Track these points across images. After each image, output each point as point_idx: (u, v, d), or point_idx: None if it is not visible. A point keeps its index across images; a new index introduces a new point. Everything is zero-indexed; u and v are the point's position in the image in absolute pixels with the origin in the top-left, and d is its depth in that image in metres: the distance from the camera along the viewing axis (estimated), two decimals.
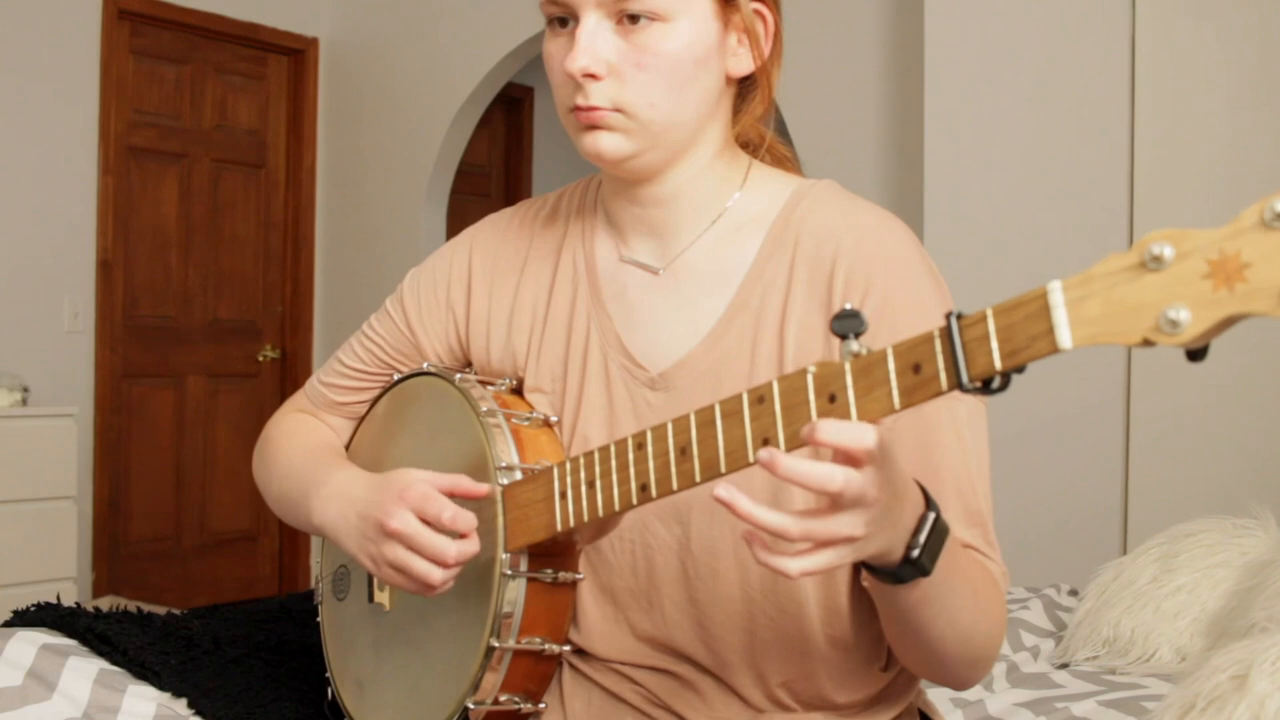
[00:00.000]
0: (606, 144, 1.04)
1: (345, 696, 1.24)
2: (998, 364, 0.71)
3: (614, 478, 0.95)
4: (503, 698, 1.09)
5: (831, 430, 0.77)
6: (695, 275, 1.10)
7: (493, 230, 1.24)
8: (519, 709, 1.11)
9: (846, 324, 0.79)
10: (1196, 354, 0.67)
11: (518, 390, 1.18)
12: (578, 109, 1.04)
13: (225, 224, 5.05)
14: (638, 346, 1.11)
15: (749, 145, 1.16)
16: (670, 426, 0.90)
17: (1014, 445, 2.79)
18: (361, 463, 1.25)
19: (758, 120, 1.14)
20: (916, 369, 0.75)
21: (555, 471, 1.01)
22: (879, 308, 1.02)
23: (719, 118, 1.10)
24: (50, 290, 4.44)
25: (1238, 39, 2.84)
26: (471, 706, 1.07)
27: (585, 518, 0.98)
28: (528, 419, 1.12)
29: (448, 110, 4.77)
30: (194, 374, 4.96)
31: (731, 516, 1.03)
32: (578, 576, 1.10)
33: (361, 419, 1.30)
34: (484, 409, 1.10)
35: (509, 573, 1.05)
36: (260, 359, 5.17)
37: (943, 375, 0.74)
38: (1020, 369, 0.71)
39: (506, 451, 1.08)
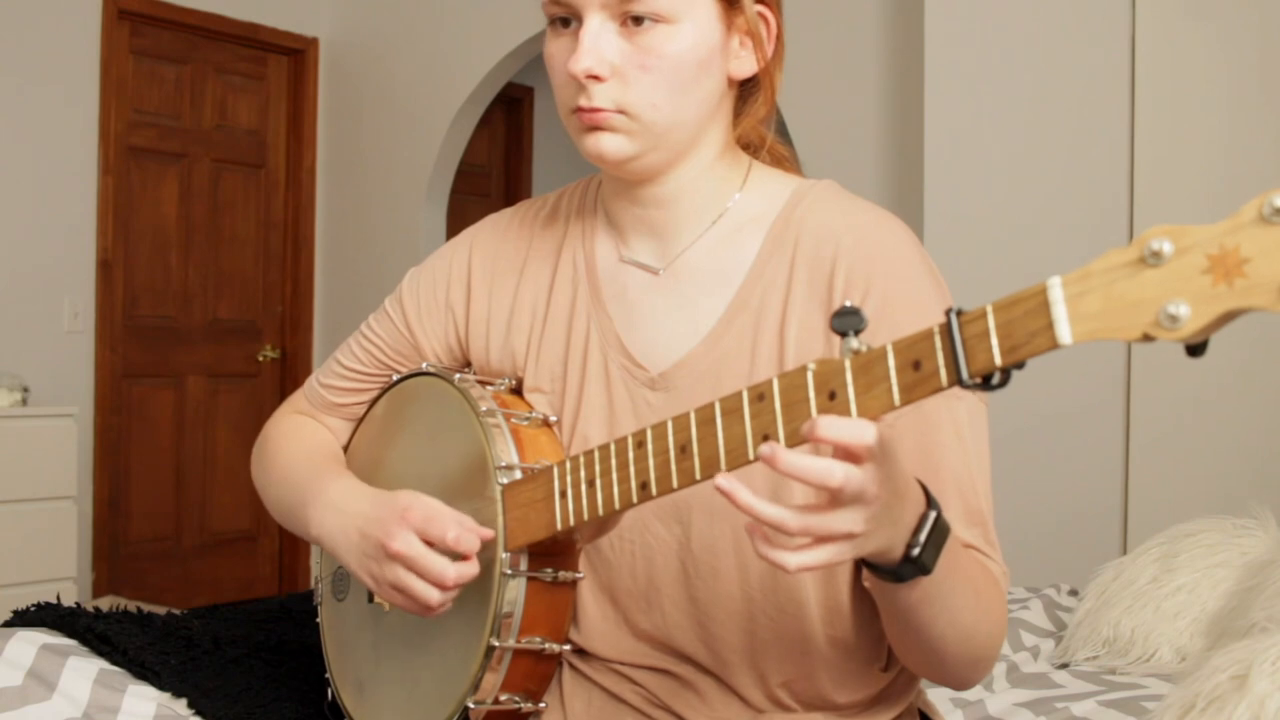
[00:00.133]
0: (609, 145, 1.04)
1: (345, 697, 1.24)
2: (998, 360, 0.71)
3: (614, 476, 0.95)
4: (503, 697, 1.09)
5: (831, 426, 0.76)
6: (695, 275, 1.10)
7: (492, 230, 1.24)
8: (519, 709, 1.11)
9: (846, 321, 0.79)
10: (1196, 349, 0.66)
11: (517, 390, 1.17)
12: (580, 110, 1.03)
13: (225, 224, 5.05)
14: (638, 346, 1.11)
15: (749, 146, 1.16)
16: (670, 425, 0.90)
17: (1014, 444, 2.79)
18: (360, 464, 1.25)
19: (760, 122, 1.14)
20: (916, 366, 0.75)
21: (555, 471, 1.01)
22: (879, 307, 1.02)
23: (720, 119, 1.10)
24: (50, 290, 4.44)
25: (1238, 39, 2.84)
26: (472, 706, 1.07)
27: (585, 517, 0.98)
28: (527, 419, 1.12)
29: (448, 110, 4.77)
30: (194, 374, 4.96)
31: (732, 516, 1.04)
32: (578, 576, 1.10)
33: (360, 420, 1.30)
34: (483, 409, 1.10)
35: (509, 572, 1.05)
36: (260, 359, 5.18)
37: (943, 372, 0.74)
38: (1020, 365, 0.71)
39: (506, 451, 1.08)
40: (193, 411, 4.95)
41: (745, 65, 1.09)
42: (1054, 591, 2.36)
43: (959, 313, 0.73)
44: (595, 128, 1.04)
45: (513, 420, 1.11)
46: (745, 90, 1.13)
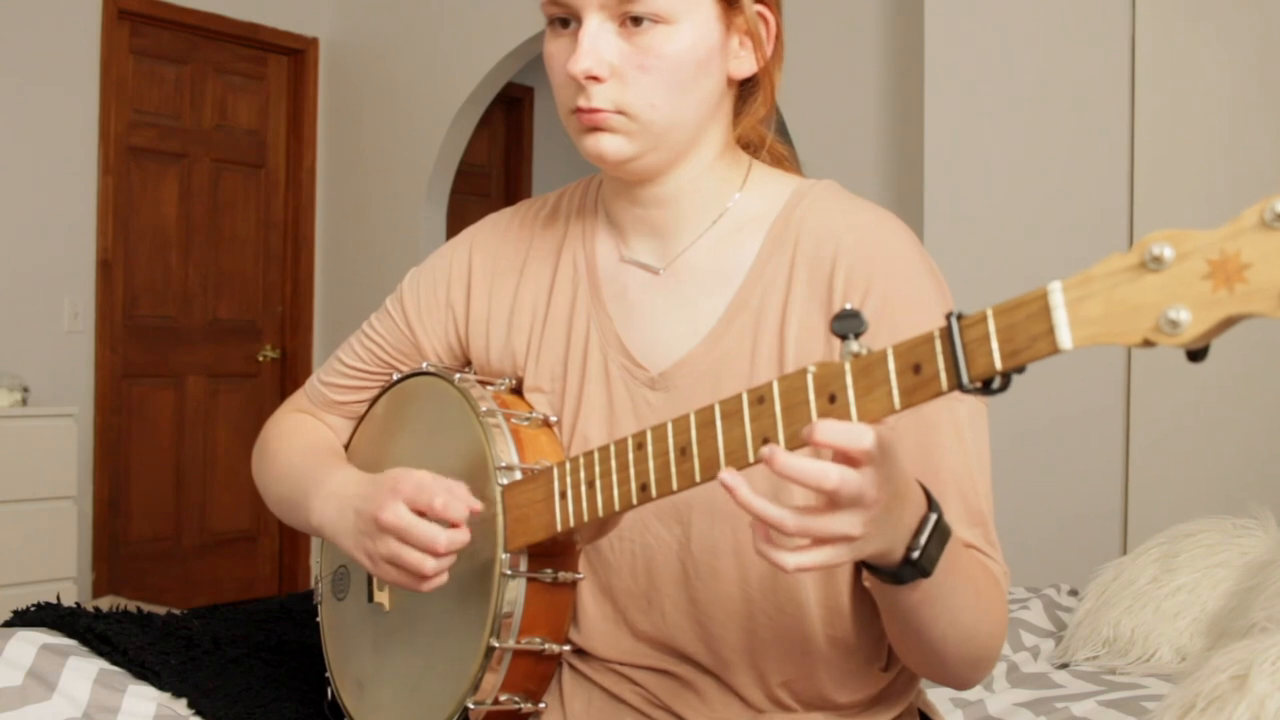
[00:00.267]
0: (608, 145, 1.04)
1: (345, 696, 1.24)
2: (998, 364, 0.71)
3: (614, 478, 0.95)
4: (503, 698, 1.09)
5: (829, 431, 0.77)
6: (696, 275, 1.10)
7: (493, 230, 1.24)
8: (519, 709, 1.11)
9: (846, 324, 0.79)
10: (1197, 354, 0.67)
11: (517, 390, 1.18)
12: (580, 110, 1.03)
13: (225, 224, 5.05)
14: (638, 346, 1.11)
15: (749, 145, 1.16)
16: (670, 426, 0.90)
17: (1014, 445, 2.79)
18: (361, 462, 1.25)
19: (760, 122, 1.14)
20: (917, 369, 0.75)
21: (555, 471, 1.01)
22: (879, 308, 1.02)
23: (720, 119, 1.10)
24: (50, 290, 4.44)
25: (1238, 39, 2.84)
26: (471, 706, 1.07)
27: (585, 518, 0.98)
28: (527, 419, 1.12)
29: (448, 110, 4.77)
30: (194, 374, 4.96)
31: (732, 517, 1.04)
32: (577, 576, 1.10)
33: (361, 419, 1.30)
34: (483, 409, 1.10)
35: (509, 572, 1.05)
36: (260, 359, 5.18)
37: (943, 375, 0.74)
38: (1021, 369, 0.71)
39: (506, 451, 1.08)
40: (193, 411, 4.95)
41: (745, 65, 1.09)
42: (1054, 591, 2.36)
43: (959, 316, 0.73)
44: (595, 128, 1.04)
45: (513, 420, 1.11)
46: (745, 90, 1.13)
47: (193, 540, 4.94)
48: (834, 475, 0.77)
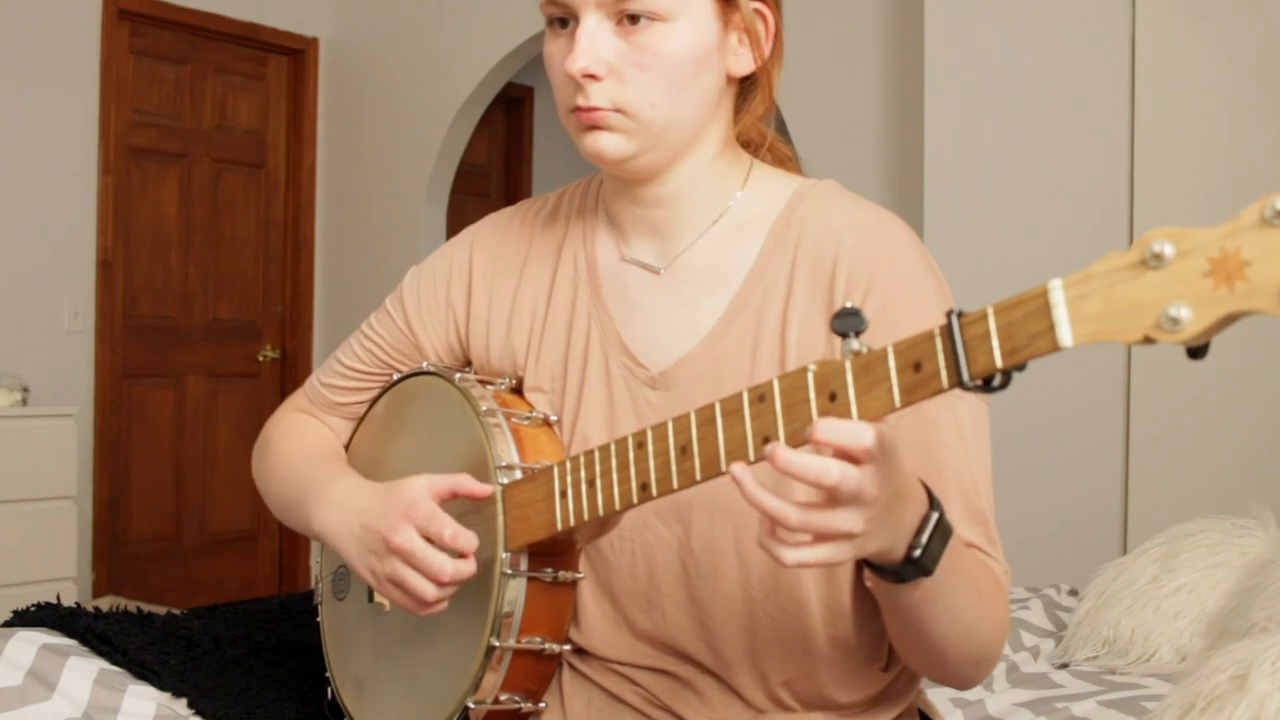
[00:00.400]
0: (607, 144, 1.04)
1: (345, 696, 1.24)
2: (998, 362, 0.71)
3: (614, 477, 0.95)
4: (503, 697, 1.09)
5: (829, 429, 0.77)
6: (696, 275, 1.10)
7: (493, 230, 1.24)
8: (519, 708, 1.11)
9: (847, 322, 0.79)
10: (1197, 352, 0.67)
11: (517, 389, 1.17)
12: (578, 109, 1.03)
13: (225, 224, 5.05)
14: (638, 345, 1.11)
15: (750, 144, 1.16)
16: (670, 425, 0.90)
17: (1014, 445, 2.79)
18: (361, 462, 1.25)
19: (758, 120, 1.14)
20: (917, 367, 0.75)
21: (555, 471, 1.01)
22: (880, 307, 1.02)
23: (720, 117, 1.10)
24: (50, 290, 4.44)
25: (1238, 39, 2.84)
26: (472, 706, 1.07)
27: (585, 517, 0.98)
28: (527, 418, 1.12)
29: (448, 110, 4.77)
30: (194, 374, 4.96)
31: (733, 516, 1.04)
32: (578, 576, 1.10)
33: (361, 419, 1.30)
34: (484, 408, 1.10)
35: (509, 572, 1.05)
36: (260, 359, 5.18)
37: (943, 373, 0.74)
38: (1021, 367, 0.71)
39: (506, 451, 1.08)
40: (193, 411, 4.95)
41: (743, 63, 1.09)
42: (1054, 591, 2.36)
43: (960, 314, 0.73)
44: (594, 127, 1.04)
45: (513, 420, 1.11)
46: (745, 88, 1.13)
47: (193, 540, 4.94)
48: (834, 472, 0.77)
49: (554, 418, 1.13)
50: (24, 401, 4.03)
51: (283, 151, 5.24)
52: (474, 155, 5.54)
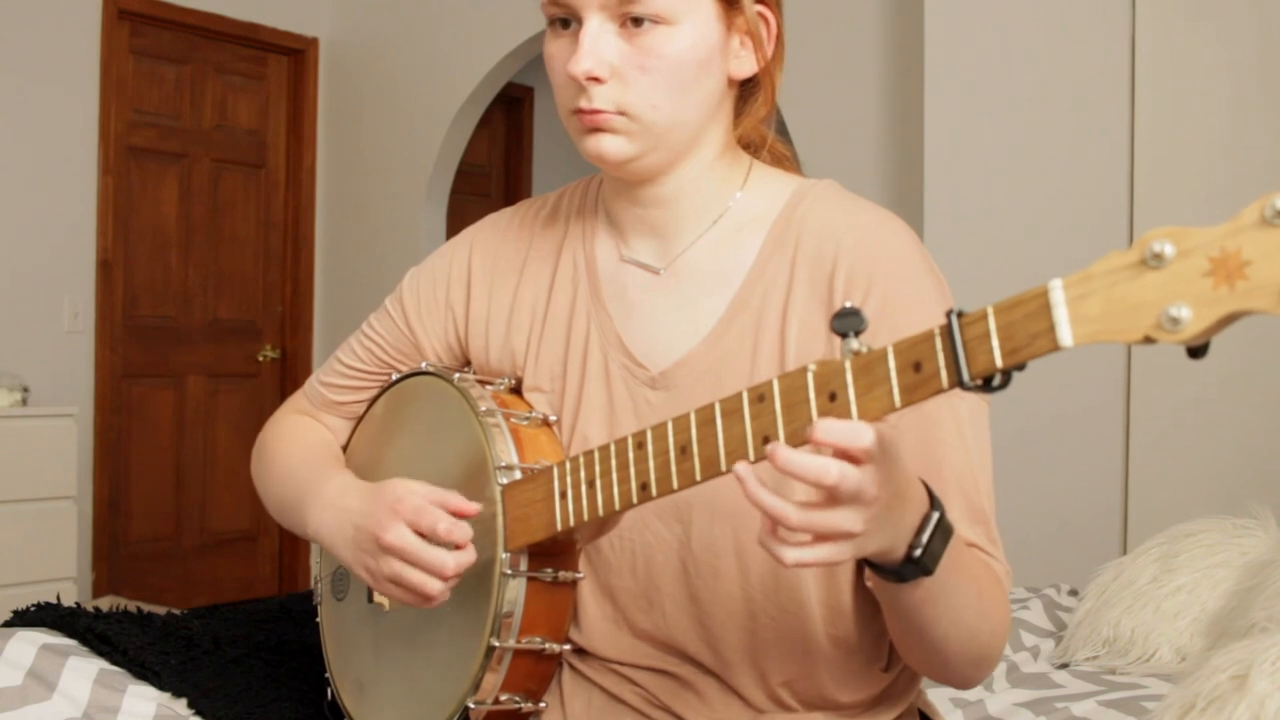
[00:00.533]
0: (609, 146, 1.04)
1: (345, 696, 1.24)
2: (998, 362, 0.71)
3: (614, 477, 0.95)
4: (503, 697, 1.09)
5: (828, 430, 0.77)
6: (696, 275, 1.10)
7: (493, 230, 1.24)
8: (519, 709, 1.11)
9: (847, 322, 0.79)
10: (1197, 351, 0.67)
11: (517, 390, 1.17)
12: (580, 111, 1.03)
13: (225, 224, 5.05)
14: (638, 345, 1.11)
15: (750, 145, 1.15)
16: (670, 425, 0.90)
17: (1014, 445, 2.79)
18: (360, 463, 1.25)
19: (760, 122, 1.14)
20: (917, 367, 0.75)
21: (555, 471, 1.01)
22: (880, 307, 1.02)
23: (721, 119, 1.10)
24: (50, 290, 4.44)
25: (1238, 39, 2.84)
26: (472, 706, 1.07)
27: (585, 517, 0.98)
28: (527, 418, 1.12)
29: (448, 110, 4.77)
30: (194, 374, 4.96)
31: (733, 516, 1.04)
32: (578, 576, 1.10)
33: (360, 419, 1.30)
34: (483, 408, 1.10)
35: (509, 572, 1.05)
36: (260, 359, 5.18)
37: (943, 373, 0.74)
38: (1021, 367, 0.71)
39: (506, 451, 1.08)
40: (193, 411, 4.95)
41: (745, 65, 1.09)
42: (1054, 591, 2.36)
43: (960, 314, 0.73)
44: (595, 129, 1.04)
45: (512, 420, 1.11)
46: (745, 90, 1.13)
47: (193, 540, 4.94)
48: (834, 471, 0.77)
49: (553, 418, 1.13)
50: (24, 401, 4.03)
51: (283, 151, 5.24)
52: (474, 155, 5.54)
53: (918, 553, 0.86)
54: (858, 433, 0.77)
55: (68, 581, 3.95)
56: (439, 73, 4.81)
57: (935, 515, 0.87)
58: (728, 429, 0.86)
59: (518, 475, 1.06)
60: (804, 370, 0.81)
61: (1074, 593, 2.37)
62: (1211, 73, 2.87)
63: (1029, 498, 2.94)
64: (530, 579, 1.07)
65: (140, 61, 4.73)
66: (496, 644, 1.05)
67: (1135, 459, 2.93)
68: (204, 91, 4.95)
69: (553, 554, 1.08)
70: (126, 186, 4.69)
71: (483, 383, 1.16)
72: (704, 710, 1.09)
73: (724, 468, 0.86)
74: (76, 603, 1.67)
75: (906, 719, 1.13)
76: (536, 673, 1.11)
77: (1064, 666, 2.06)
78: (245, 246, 5.12)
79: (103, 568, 4.57)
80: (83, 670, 1.38)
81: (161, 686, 1.41)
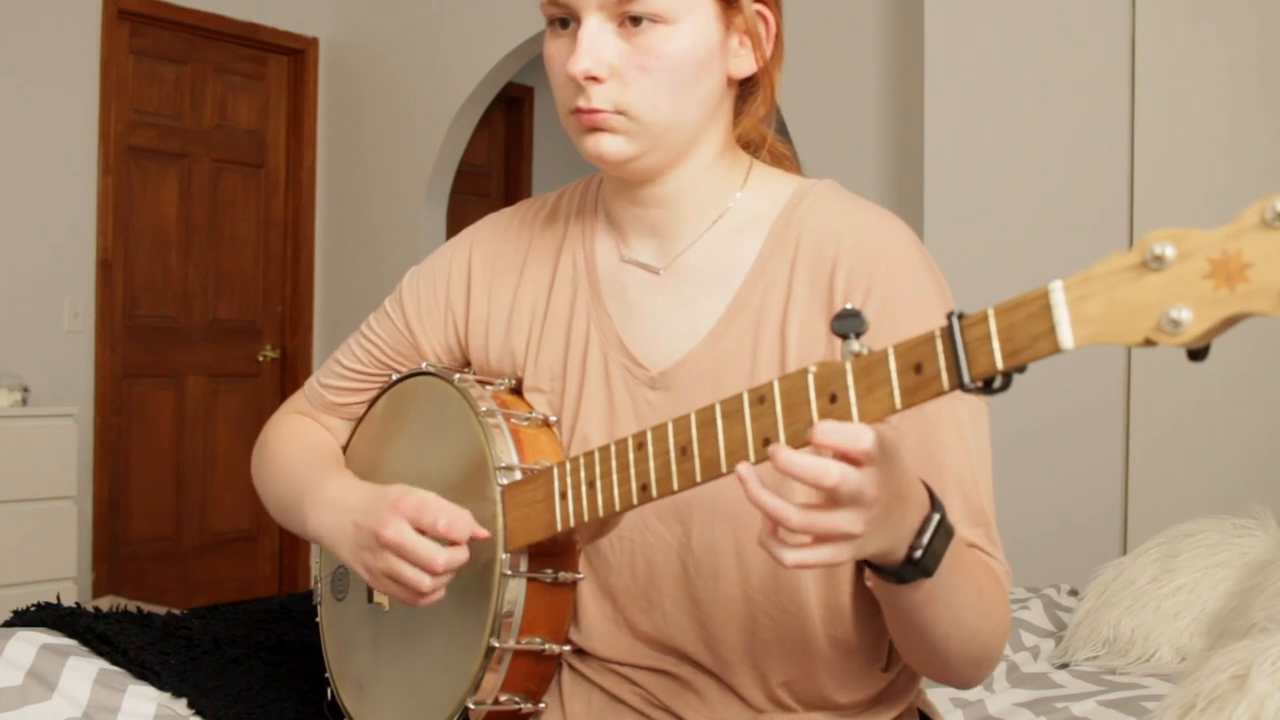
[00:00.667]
0: (608, 146, 1.04)
1: (345, 696, 1.24)
2: (999, 364, 0.71)
3: (614, 478, 0.95)
4: (503, 698, 1.09)
5: (828, 431, 0.77)
6: (696, 275, 1.10)
7: (492, 230, 1.24)
8: (519, 709, 1.11)
9: (847, 324, 0.79)
10: (1198, 354, 0.67)
11: (517, 390, 1.17)
12: (579, 111, 1.03)
13: (225, 224, 5.05)
14: (638, 346, 1.11)
15: (749, 145, 1.15)
16: (671, 426, 0.90)
17: (1015, 445, 2.79)
18: (360, 463, 1.25)
19: (760, 121, 1.14)
20: (918, 369, 0.75)
21: (555, 471, 1.01)
22: (880, 308, 1.02)
23: (720, 119, 1.10)
24: (50, 290, 4.43)
25: (1238, 39, 2.84)
26: (472, 706, 1.07)
27: (585, 518, 0.98)
28: (527, 419, 1.12)
29: (448, 110, 4.77)
30: (194, 374, 4.96)
31: (733, 516, 1.04)
32: (578, 576, 1.10)
33: (360, 420, 1.30)
34: (483, 409, 1.10)
35: (509, 572, 1.05)
36: (260, 359, 5.17)
37: (944, 375, 0.74)
38: (1021, 369, 0.71)
39: (506, 451, 1.08)
40: (193, 411, 4.95)
41: (744, 64, 1.08)
42: (1054, 591, 2.36)
43: (960, 316, 0.73)
44: (595, 129, 1.04)
45: (512, 420, 1.11)
46: (745, 89, 1.13)
47: (193, 540, 4.94)
48: (834, 472, 0.77)
49: (553, 418, 1.13)
50: (24, 401, 4.03)
51: (283, 151, 5.24)
52: (474, 155, 5.53)
53: (918, 554, 0.86)
54: (858, 435, 0.77)
55: (68, 581, 3.95)
56: (439, 73, 4.80)
57: (936, 517, 0.87)
58: (728, 430, 0.86)
59: (518, 475, 1.06)
60: (805, 372, 0.81)
61: (1074, 593, 2.37)
62: (1211, 73, 2.87)
63: (1029, 498, 2.94)
64: (530, 579, 1.07)
65: (140, 61, 4.73)
66: (496, 644, 1.05)
67: (1135, 459, 2.93)
68: (204, 91, 4.95)
69: (553, 554, 1.08)
70: (126, 186, 4.69)
71: (483, 383, 1.16)
72: (704, 710, 1.09)
73: (724, 469, 0.86)
74: (76, 603, 1.67)
75: (906, 719, 1.13)
76: (536, 673, 1.11)
77: (1064, 666, 2.06)
78: (245, 246, 5.12)
79: (103, 568, 4.57)
80: (83, 670, 1.38)
81: (161, 686, 1.41)
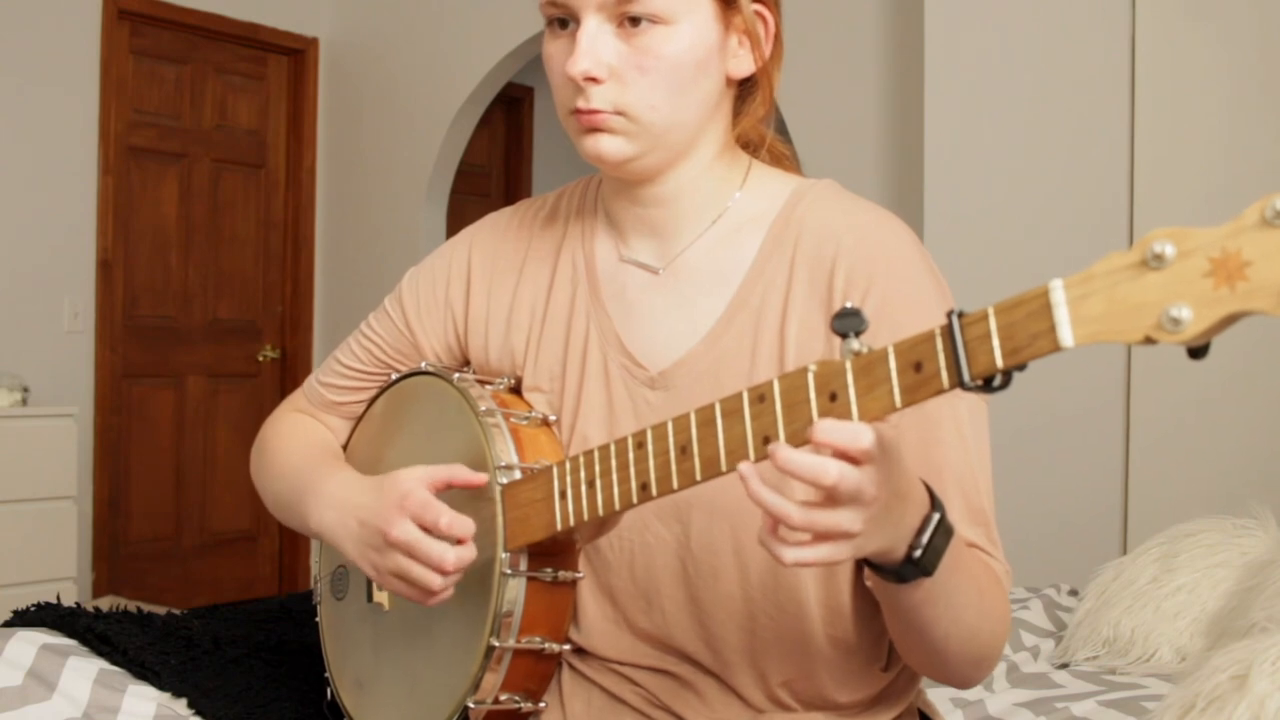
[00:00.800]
0: (607, 146, 1.04)
1: (345, 696, 1.24)
2: (999, 362, 0.71)
3: (614, 477, 0.95)
4: (503, 697, 1.09)
5: (827, 430, 0.77)
6: (695, 275, 1.10)
7: (492, 230, 1.24)
8: (519, 708, 1.11)
9: (847, 322, 0.79)
10: (1198, 352, 0.67)
11: (516, 389, 1.17)
12: (579, 111, 1.03)
13: (225, 224, 5.05)
14: (637, 345, 1.11)
15: (749, 145, 1.15)
16: (670, 425, 0.90)
17: (1015, 445, 2.79)
18: (359, 462, 1.25)
19: (759, 121, 1.14)
20: (918, 367, 0.75)
21: (555, 471, 1.01)
22: (879, 307, 1.02)
23: (719, 119, 1.10)
24: (50, 290, 4.44)
25: (1238, 39, 2.84)
26: (472, 706, 1.07)
27: (585, 517, 0.98)
28: (526, 418, 1.12)
29: (448, 110, 4.77)
30: (194, 374, 4.96)
31: (732, 516, 1.04)
32: (577, 575, 1.10)
33: (359, 419, 1.30)
34: (482, 408, 1.10)
35: (509, 572, 1.05)
36: (260, 359, 5.18)
37: (944, 373, 0.74)
38: (1021, 367, 0.71)
39: (505, 451, 1.08)
40: (193, 411, 4.95)
41: (743, 65, 1.09)
42: (1054, 591, 2.36)
43: (960, 314, 0.73)
44: (594, 129, 1.04)
45: (512, 420, 1.11)
46: (744, 89, 1.13)
47: (193, 540, 4.94)
48: (833, 471, 0.77)
49: (553, 418, 1.13)
50: (24, 401, 4.03)
51: (283, 151, 5.24)
52: (474, 155, 5.54)
53: (918, 553, 0.86)
54: (857, 434, 0.77)
55: (68, 581, 3.95)
56: (439, 73, 4.81)
57: (936, 516, 0.87)
58: (728, 429, 0.86)
59: (517, 475, 1.06)
60: (804, 370, 0.81)
61: (1074, 593, 2.37)
62: (1211, 73, 2.87)
63: (1029, 498, 2.94)
64: (530, 579, 1.07)
65: (140, 61, 4.73)
66: (496, 644, 1.05)
67: (1135, 459, 2.93)
68: (204, 91, 4.95)
69: (552, 554, 1.08)
70: (126, 186, 4.69)
71: (482, 382, 1.16)
72: (703, 710, 1.09)
73: (724, 468, 0.86)
74: (76, 603, 1.67)
75: (906, 719, 1.13)
76: (536, 672, 1.11)
77: (1064, 666, 2.06)
78: (245, 246, 5.12)
79: (103, 568, 4.57)
80: (83, 670, 1.38)
81: (161, 686, 1.41)
